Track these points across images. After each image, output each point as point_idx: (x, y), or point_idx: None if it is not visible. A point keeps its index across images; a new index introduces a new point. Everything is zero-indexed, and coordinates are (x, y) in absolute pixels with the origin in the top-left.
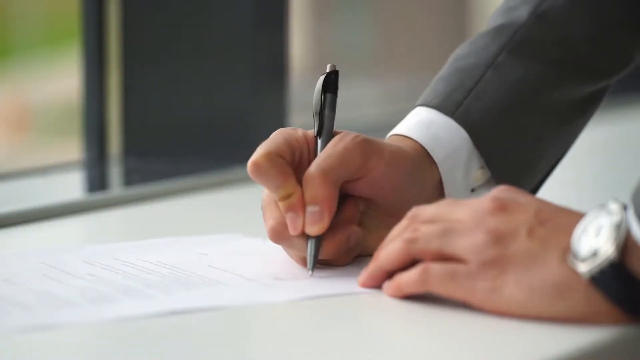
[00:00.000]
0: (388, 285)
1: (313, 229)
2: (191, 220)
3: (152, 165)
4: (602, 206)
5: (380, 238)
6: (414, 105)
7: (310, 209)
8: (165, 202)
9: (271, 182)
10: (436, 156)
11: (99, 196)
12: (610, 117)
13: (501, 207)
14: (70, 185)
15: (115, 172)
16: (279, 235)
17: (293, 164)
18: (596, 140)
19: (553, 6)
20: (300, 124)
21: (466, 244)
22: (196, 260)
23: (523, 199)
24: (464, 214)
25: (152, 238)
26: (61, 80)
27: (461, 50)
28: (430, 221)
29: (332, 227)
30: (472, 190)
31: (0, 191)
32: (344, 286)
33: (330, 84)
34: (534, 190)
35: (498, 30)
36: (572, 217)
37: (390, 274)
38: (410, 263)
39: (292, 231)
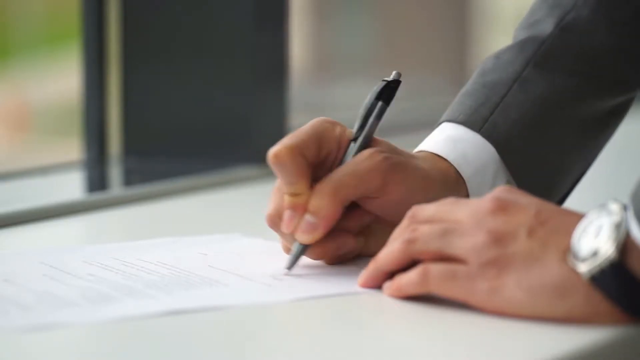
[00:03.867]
0: (388, 286)
1: (303, 237)
2: (191, 220)
3: (152, 165)
4: (602, 206)
5: (382, 245)
6: (439, 121)
7: (308, 217)
8: (165, 202)
9: (286, 176)
10: (464, 173)
11: (99, 196)
12: None
13: (501, 208)
14: (70, 185)
15: (115, 172)
16: (274, 223)
17: (317, 159)
18: None
19: (578, 19)
20: (299, 124)
21: (466, 244)
22: (196, 260)
23: (523, 199)
24: (463, 214)
25: (152, 238)
26: (61, 80)
27: (486, 64)
28: (429, 221)
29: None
30: None
31: (0, 191)
32: (344, 286)
33: (387, 92)
34: (558, 205)
35: (523, 44)
36: (572, 218)
37: (390, 274)
38: (410, 263)
39: (284, 228)
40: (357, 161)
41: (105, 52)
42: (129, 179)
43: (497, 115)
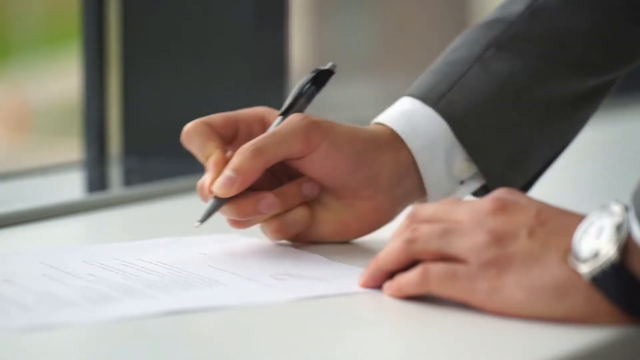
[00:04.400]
0: (388, 286)
1: (219, 190)
2: (191, 220)
3: (152, 165)
4: (604, 207)
5: (340, 220)
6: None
7: (226, 172)
8: (165, 202)
9: (193, 145)
10: (413, 145)
11: (99, 196)
12: (610, 117)
13: (501, 208)
14: (70, 185)
15: (115, 172)
16: (200, 194)
17: (237, 136)
18: (596, 140)
19: (549, 2)
20: None
21: (466, 244)
22: (196, 260)
23: (524, 200)
24: (464, 214)
25: (152, 238)
26: (61, 80)
27: (453, 43)
28: (429, 220)
29: (247, 190)
30: (462, 182)
31: (0, 191)
32: (344, 286)
33: (321, 79)
34: (527, 187)
35: (490, 24)
36: (573, 219)
37: (390, 274)
38: (410, 263)
39: (205, 188)
40: (279, 126)
41: (105, 52)
42: (129, 179)
43: (454, 93)
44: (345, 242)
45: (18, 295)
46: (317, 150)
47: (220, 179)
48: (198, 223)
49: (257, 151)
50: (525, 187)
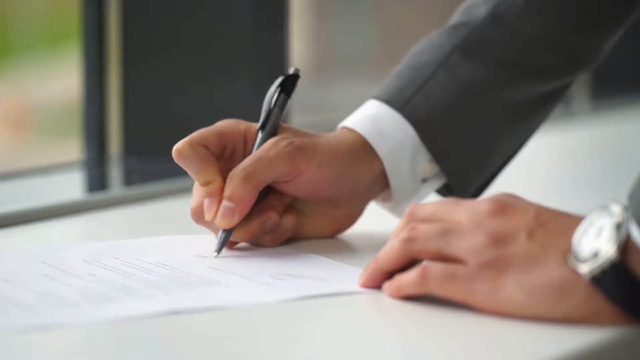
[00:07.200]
0: (387, 286)
1: (222, 222)
2: (191, 220)
3: (152, 165)
4: (604, 207)
5: (317, 224)
6: (369, 97)
7: (224, 203)
8: (165, 202)
9: (191, 168)
10: (380, 150)
11: (99, 196)
12: (611, 117)
13: (501, 210)
14: (70, 185)
15: (115, 172)
16: (197, 216)
17: (223, 154)
18: (596, 140)
19: (512, 7)
20: (299, 124)
21: (465, 245)
22: (196, 260)
23: (522, 202)
24: (463, 215)
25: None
26: (61, 80)
27: (419, 46)
28: (428, 220)
29: (250, 213)
30: (424, 180)
31: (0, 191)
32: (343, 286)
33: (289, 85)
34: (486, 184)
35: (454, 28)
36: (572, 220)
37: (390, 274)
38: (410, 262)
39: (207, 216)
40: (264, 149)
41: (105, 52)
42: (129, 179)
43: (419, 98)
44: (345, 242)
45: (18, 295)
46: (303, 173)
47: (221, 211)
48: (216, 253)
49: (248, 177)
50: (483, 186)
